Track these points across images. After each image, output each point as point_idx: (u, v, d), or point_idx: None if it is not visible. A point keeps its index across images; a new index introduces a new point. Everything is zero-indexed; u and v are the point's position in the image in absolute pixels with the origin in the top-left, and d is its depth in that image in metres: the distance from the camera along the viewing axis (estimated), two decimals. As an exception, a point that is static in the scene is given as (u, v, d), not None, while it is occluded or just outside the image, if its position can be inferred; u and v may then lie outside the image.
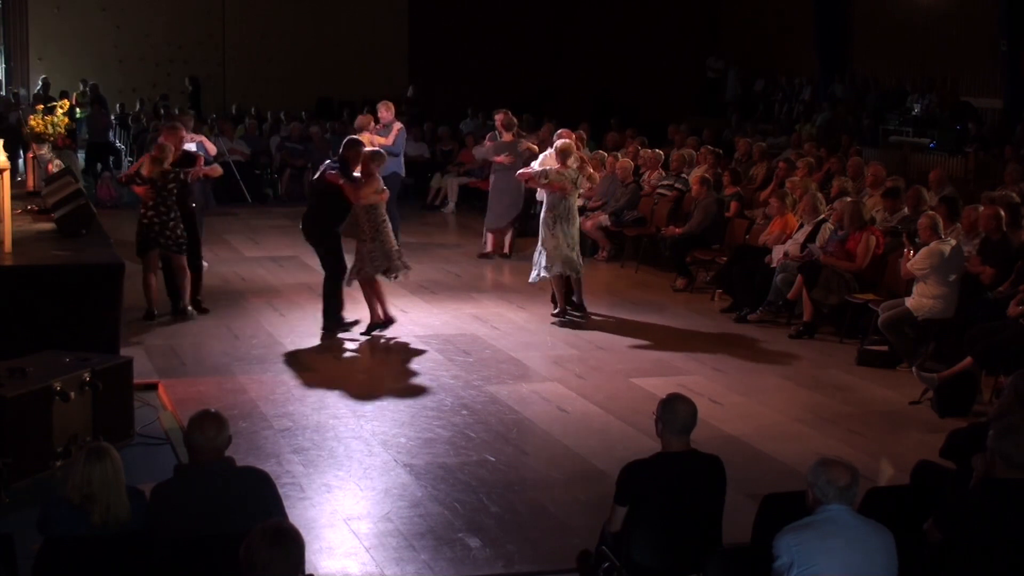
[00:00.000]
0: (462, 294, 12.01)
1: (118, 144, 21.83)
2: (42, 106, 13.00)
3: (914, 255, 9.26)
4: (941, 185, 11.91)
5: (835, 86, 22.43)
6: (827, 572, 4.12)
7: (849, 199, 11.03)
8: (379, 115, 13.67)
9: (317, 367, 9.23)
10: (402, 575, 5.73)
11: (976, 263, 9.47)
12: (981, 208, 9.96)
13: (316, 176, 10.67)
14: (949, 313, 9.13)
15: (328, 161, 10.57)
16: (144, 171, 10.29)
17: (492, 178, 14.39)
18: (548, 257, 10.73)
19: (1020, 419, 5.05)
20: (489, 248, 14.24)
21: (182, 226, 10.34)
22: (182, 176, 10.35)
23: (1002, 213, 9.52)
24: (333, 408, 8.24)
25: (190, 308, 10.59)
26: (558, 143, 11.17)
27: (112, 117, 21.93)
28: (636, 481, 4.95)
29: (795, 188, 12.00)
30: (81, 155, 19.74)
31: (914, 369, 8.82)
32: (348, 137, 11.04)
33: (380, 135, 13.24)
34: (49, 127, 11.85)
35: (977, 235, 9.74)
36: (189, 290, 10.58)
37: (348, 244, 10.27)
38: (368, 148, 10.43)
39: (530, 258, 11.20)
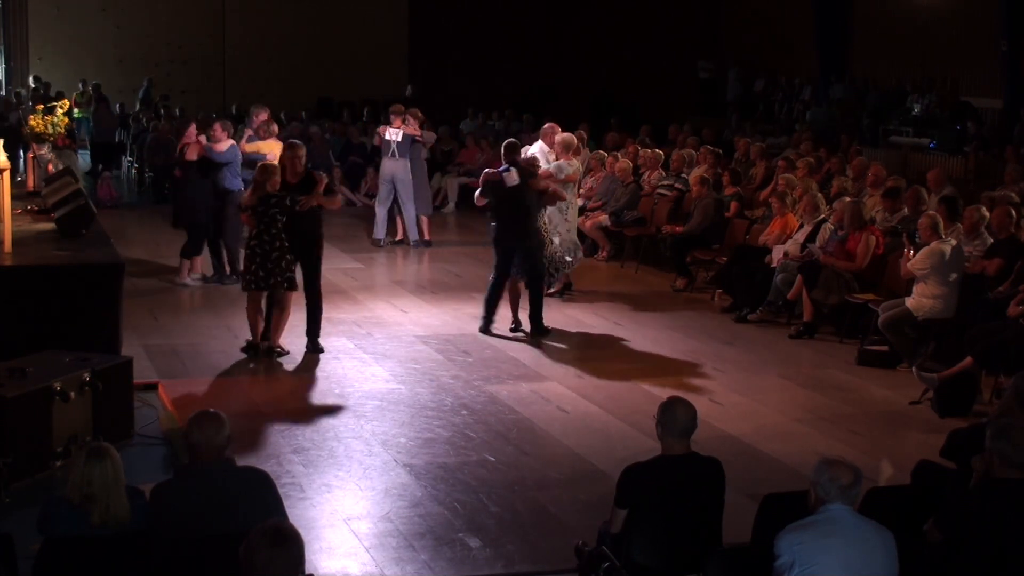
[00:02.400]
0: (462, 294, 12.00)
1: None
2: (42, 106, 13.01)
3: (914, 255, 9.27)
4: (940, 185, 11.91)
5: (835, 86, 22.44)
6: (827, 571, 4.13)
7: (849, 199, 11.03)
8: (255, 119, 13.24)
9: (317, 367, 9.22)
10: (402, 575, 5.73)
11: (978, 262, 9.49)
12: (983, 208, 9.99)
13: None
14: (949, 313, 9.14)
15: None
16: (245, 198, 9.36)
17: (411, 167, 14.58)
18: (571, 247, 11.04)
19: (1016, 418, 5.05)
20: (401, 235, 14.80)
21: (289, 257, 9.13)
22: (288, 203, 9.06)
23: (1013, 213, 9.57)
24: (333, 408, 8.24)
25: (277, 348, 9.41)
26: (561, 137, 11.42)
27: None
28: (636, 484, 4.95)
29: (793, 187, 12.01)
30: (83, 155, 19.80)
31: (914, 369, 8.82)
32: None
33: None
34: (49, 127, 11.85)
35: (978, 235, 9.77)
36: (281, 329, 9.44)
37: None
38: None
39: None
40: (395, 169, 14.36)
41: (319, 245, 9.59)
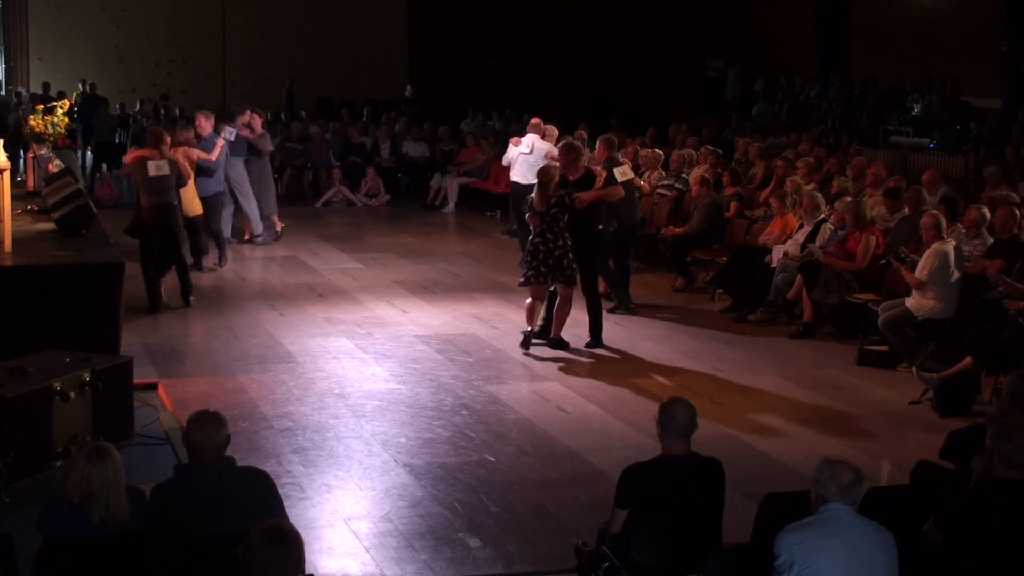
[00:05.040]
0: (462, 294, 12.01)
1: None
2: (42, 106, 13.00)
3: (911, 270, 9.26)
4: (935, 185, 11.88)
5: (833, 87, 22.46)
6: (827, 571, 4.13)
7: (850, 199, 11.03)
8: (198, 127, 12.95)
9: (317, 367, 9.23)
10: (402, 575, 5.73)
11: (978, 262, 9.49)
12: (983, 208, 10.00)
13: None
14: (949, 313, 9.14)
15: None
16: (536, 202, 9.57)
17: (255, 168, 14.48)
18: None
19: (1017, 419, 5.05)
20: (248, 235, 14.62)
21: (571, 255, 9.55)
22: (567, 201, 9.52)
23: (1016, 213, 9.58)
24: (333, 408, 8.24)
25: (558, 339, 9.83)
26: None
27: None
28: (636, 484, 4.95)
29: (793, 188, 12.01)
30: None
31: (914, 369, 8.82)
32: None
33: (203, 148, 12.63)
34: (49, 127, 11.84)
35: (979, 235, 9.77)
36: (562, 323, 9.80)
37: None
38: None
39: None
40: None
41: (596, 241, 10.15)
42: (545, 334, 9.95)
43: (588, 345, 9.94)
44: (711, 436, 7.27)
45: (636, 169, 14.70)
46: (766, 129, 19.92)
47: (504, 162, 13.74)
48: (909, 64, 21.16)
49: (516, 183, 13.22)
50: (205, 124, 12.97)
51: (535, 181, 10.75)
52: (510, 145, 13.61)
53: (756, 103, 22.72)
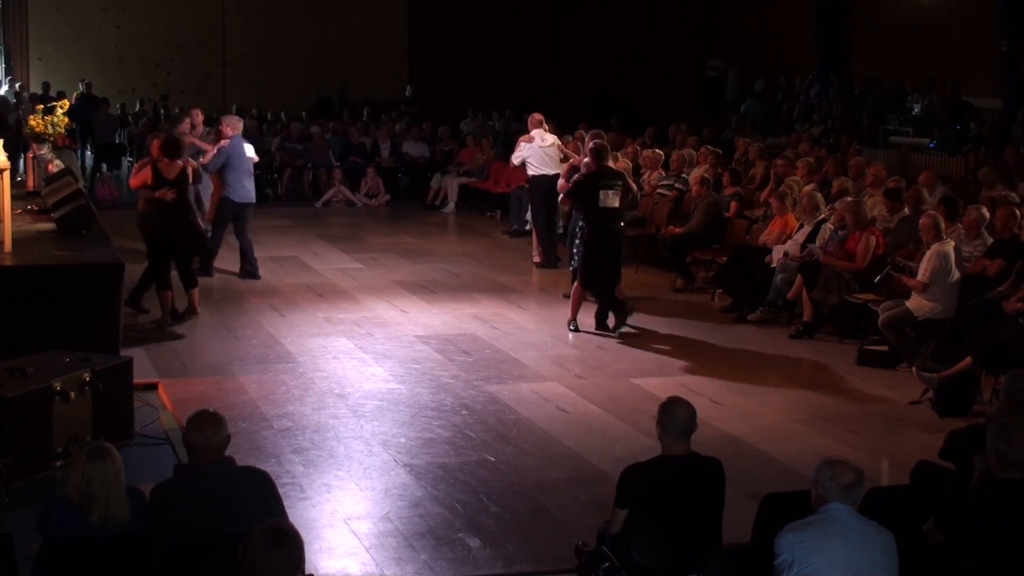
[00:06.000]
0: (462, 294, 12.01)
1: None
2: (42, 106, 12.99)
3: (912, 277, 9.26)
4: (932, 185, 11.87)
5: (833, 87, 22.47)
6: (826, 571, 4.13)
7: (850, 199, 11.03)
8: (222, 132, 12.49)
9: (317, 367, 9.23)
10: (402, 575, 5.73)
11: (978, 262, 9.49)
12: (983, 208, 10.00)
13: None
14: (949, 313, 9.14)
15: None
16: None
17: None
18: None
19: (1016, 419, 5.05)
20: None
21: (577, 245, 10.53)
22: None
23: (1017, 213, 9.58)
24: (333, 408, 8.24)
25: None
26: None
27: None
28: (636, 484, 4.95)
29: (787, 187, 12.03)
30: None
31: (914, 369, 8.82)
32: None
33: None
34: (49, 127, 11.84)
35: (978, 235, 9.77)
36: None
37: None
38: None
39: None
40: None
41: (597, 236, 10.31)
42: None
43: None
44: (711, 436, 7.28)
45: (636, 170, 14.72)
46: (758, 126, 19.94)
47: (516, 162, 13.70)
48: (909, 64, 21.16)
49: (540, 176, 13.29)
50: (226, 129, 12.40)
51: (555, 171, 11.08)
52: (521, 144, 13.56)
53: (744, 101, 22.82)
